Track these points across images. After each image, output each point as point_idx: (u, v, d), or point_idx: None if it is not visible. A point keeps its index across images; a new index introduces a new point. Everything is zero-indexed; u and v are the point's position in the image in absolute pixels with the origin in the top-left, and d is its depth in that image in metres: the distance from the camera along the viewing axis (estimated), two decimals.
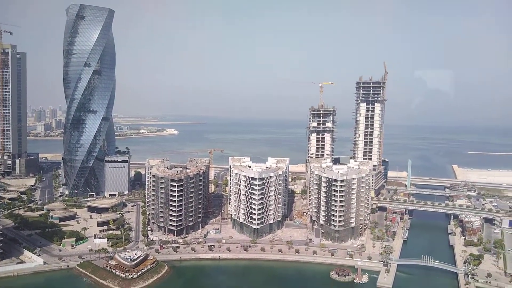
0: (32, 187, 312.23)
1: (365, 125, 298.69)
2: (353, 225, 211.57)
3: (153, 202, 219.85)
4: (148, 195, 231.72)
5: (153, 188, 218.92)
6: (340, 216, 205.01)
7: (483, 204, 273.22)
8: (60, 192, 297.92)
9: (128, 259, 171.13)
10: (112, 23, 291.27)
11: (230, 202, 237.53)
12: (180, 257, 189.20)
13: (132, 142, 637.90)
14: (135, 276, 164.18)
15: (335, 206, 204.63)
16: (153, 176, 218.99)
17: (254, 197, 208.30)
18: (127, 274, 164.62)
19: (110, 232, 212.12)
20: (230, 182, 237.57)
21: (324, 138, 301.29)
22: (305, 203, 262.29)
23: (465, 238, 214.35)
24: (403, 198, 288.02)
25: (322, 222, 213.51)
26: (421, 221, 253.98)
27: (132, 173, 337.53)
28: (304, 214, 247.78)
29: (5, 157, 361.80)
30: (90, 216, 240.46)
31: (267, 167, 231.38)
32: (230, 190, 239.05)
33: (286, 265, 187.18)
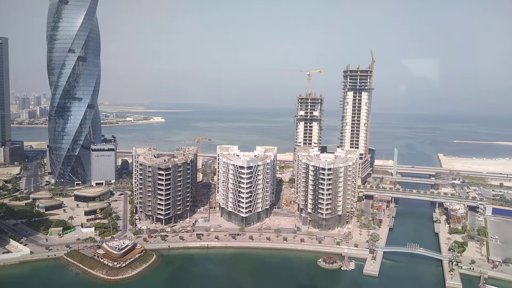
0: (17, 176, 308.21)
1: (352, 113, 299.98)
2: (340, 213, 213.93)
3: (141, 191, 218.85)
4: (135, 183, 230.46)
5: (141, 177, 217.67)
6: (327, 204, 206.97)
7: (467, 192, 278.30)
8: (46, 181, 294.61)
9: (116, 248, 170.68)
10: (96, 8, 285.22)
11: (218, 190, 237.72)
12: (169, 246, 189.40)
13: (118, 130, 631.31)
14: (123, 265, 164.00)
15: (322, 194, 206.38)
16: (141, 164, 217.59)
17: (242, 185, 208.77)
18: (115, 263, 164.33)
19: (97, 221, 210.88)
20: (218, 170, 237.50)
21: (311, 126, 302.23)
22: (292, 191, 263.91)
23: (449, 226, 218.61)
24: (389, 186, 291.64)
25: (309, 210, 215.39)
26: (407, 209, 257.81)
27: (119, 161, 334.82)
28: (292, 202, 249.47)
29: None
30: (77, 205, 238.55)
31: (255, 156, 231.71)
32: (218, 178, 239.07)
33: (274, 253, 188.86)
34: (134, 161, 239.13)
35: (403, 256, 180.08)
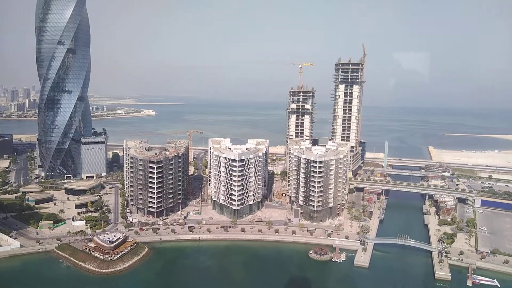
0: (6, 169, 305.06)
1: (344, 106, 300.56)
2: (331, 205, 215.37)
3: (132, 184, 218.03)
4: (126, 177, 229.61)
5: (132, 170, 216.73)
6: (318, 197, 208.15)
7: (457, 185, 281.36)
8: (36, 174, 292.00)
9: (107, 241, 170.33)
10: (86, 0, 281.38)
11: (210, 183, 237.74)
12: (160, 239, 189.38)
13: (109, 123, 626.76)
14: (115, 258, 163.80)
15: (314, 186, 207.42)
16: (132, 157, 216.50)
17: (234, 178, 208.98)
18: (107, 256, 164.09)
19: (88, 214, 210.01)
20: (210, 163, 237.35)
21: (303, 119, 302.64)
22: (284, 184, 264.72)
23: (439, 218, 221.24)
24: (379, 178, 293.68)
25: (301, 203, 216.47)
26: (397, 201, 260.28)
27: (110, 154, 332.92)
28: (284, 195, 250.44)
29: None
30: (68, 198, 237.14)
31: (246, 149, 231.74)
32: (210, 171, 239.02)
33: (266, 245, 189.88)
34: (125, 154, 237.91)
35: (393, 248, 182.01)
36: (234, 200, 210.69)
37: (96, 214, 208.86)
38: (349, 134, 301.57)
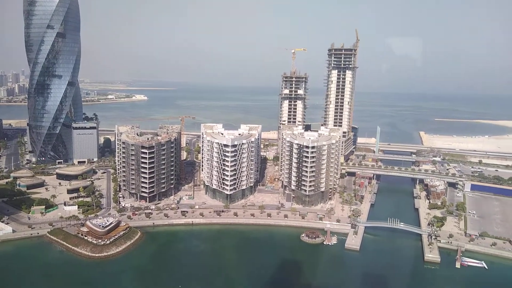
0: None
1: (336, 92, 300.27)
2: (323, 189, 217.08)
3: (124, 169, 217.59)
4: (118, 162, 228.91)
5: (124, 155, 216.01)
6: (310, 181, 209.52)
7: (447, 169, 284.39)
8: (27, 160, 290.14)
9: (100, 225, 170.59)
10: None
11: (202, 168, 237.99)
12: (153, 223, 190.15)
13: (100, 108, 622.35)
14: (108, 242, 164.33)
15: (306, 171, 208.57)
16: (123, 143, 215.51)
17: (226, 163, 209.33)
18: (100, 240, 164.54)
19: (80, 199, 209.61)
20: (203, 149, 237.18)
21: (296, 105, 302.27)
22: (277, 169, 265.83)
23: (429, 202, 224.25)
24: (371, 163, 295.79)
25: (293, 187, 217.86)
26: (388, 186, 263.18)
27: (101, 140, 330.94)
28: (276, 179, 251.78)
29: None
30: (59, 183, 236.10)
31: (239, 134, 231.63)
32: (202, 157, 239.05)
33: (258, 229, 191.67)
34: (116, 140, 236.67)
35: (384, 231, 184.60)
36: (227, 185, 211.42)
37: (89, 199, 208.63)
38: (341, 119, 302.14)
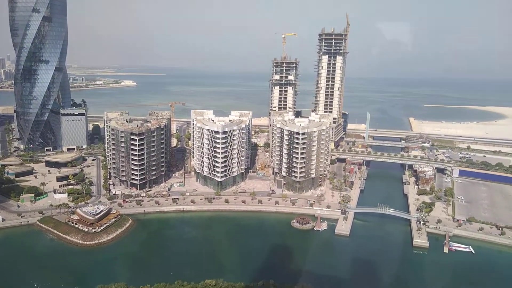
0: None
1: (327, 78, 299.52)
2: (313, 176, 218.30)
3: (114, 156, 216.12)
4: (108, 149, 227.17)
5: (113, 142, 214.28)
6: (301, 168, 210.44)
7: (436, 155, 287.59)
8: (15, 147, 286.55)
9: (90, 213, 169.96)
10: None
11: (193, 155, 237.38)
12: (144, 210, 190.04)
13: (88, 94, 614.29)
14: (99, 230, 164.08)
15: (297, 158, 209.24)
16: (113, 129, 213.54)
17: (217, 150, 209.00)
18: (90, 228, 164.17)
19: (70, 187, 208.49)
20: (193, 135, 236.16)
21: (286, 91, 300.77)
22: (267, 155, 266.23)
23: (418, 187, 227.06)
24: (361, 149, 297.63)
25: (284, 174, 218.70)
26: (378, 172, 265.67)
27: (90, 126, 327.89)
28: (267, 166, 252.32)
29: None
30: (49, 171, 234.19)
31: (230, 121, 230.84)
32: (193, 144, 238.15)
33: (250, 215, 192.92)
34: (106, 126, 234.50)
35: (373, 217, 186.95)
36: (218, 172, 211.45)
37: (78, 187, 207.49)
38: (331, 105, 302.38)
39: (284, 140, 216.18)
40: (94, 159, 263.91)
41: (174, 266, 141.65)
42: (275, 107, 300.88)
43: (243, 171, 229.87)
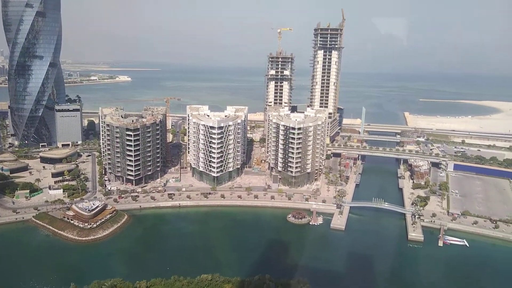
0: None
1: (322, 73, 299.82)
2: (309, 170, 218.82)
3: (109, 152, 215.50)
4: (103, 145, 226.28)
5: (108, 138, 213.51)
6: (297, 163, 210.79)
7: (431, 149, 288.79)
8: (9, 143, 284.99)
9: (86, 209, 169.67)
10: None
11: (189, 151, 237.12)
12: (140, 206, 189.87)
13: (83, 90, 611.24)
14: (95, 225, 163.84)
15: (292, 153, 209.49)
16: (108, 125, 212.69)
17: (213, 145, 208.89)
18: (86, 224, 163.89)
19: (65, 183, 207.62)
20: (189, 131, 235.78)
21: (282, 86, 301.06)
22: (263, 151, 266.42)
23: (413, 181, 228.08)
24: (356, 144, 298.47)
25: (279, 169, 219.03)
26: (373, 166, 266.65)
27: (85, 122, 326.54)
28: (263, 161, 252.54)
29: None
30: (43, 167, 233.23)
31: (225, 116, 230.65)
32: (188, 139, 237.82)
33: (245, 210, 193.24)
34: (101, 122, 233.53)
35: (369, 211, 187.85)
36: (214, 167, 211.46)
37: (74, 183, 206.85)
38: (327, 100, 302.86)
39: (280, 135, 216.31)
40: (89, 155, 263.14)
41: (170, 262, 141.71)
42: (270, 102, 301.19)
43: (239, 166, 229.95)
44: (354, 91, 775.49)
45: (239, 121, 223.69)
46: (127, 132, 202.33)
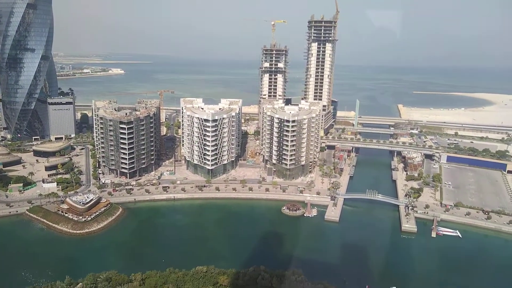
0: None
1: (316, 65, 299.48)
2: (303, 163, 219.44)
3: (103, 145, 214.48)
4: (96, 138, 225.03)
5: (102, 131, 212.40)
6: (291, 155, 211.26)
7: (424, 141, 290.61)
8: (2, 137, 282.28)
9: (80, 202, 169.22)
10: None
11: (183, 144, 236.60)
12: (134, 199, 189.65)
13: (75, 83, 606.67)
14: (89, 219, 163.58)
15: (287, 145, 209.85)
16: (101, 118, 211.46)
17: (207, 138, 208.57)
18: (80, 217, 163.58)
19: (59, 176, 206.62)
20: (183, 124, 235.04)
21: (276, 78, 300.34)
22: (258, 143, 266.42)
23: (407, 173, 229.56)
24: (350, 136, 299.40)
25: (274, 161, 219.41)
26: (367, 158, 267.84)
27: (78, 115, 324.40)
28: (257, 154, 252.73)
29: None
30: (37, 160, 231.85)
31: (220, 109, 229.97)
32: (183, 132, 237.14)
33: (240, 203, 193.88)
34: (94, 115, 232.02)
35: (363, 202, 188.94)
36: (208, 160, 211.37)
37: (67, 176, 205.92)
38: (321, 93, 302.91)
39: (274, 127, 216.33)
40: (82, 148, 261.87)
41: (165, 254, 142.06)
42: (265, 95, 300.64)
43: (233, 159, 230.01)
44: (348, 83, 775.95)
45: (233, 114, 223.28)
46: (121, 125, 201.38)
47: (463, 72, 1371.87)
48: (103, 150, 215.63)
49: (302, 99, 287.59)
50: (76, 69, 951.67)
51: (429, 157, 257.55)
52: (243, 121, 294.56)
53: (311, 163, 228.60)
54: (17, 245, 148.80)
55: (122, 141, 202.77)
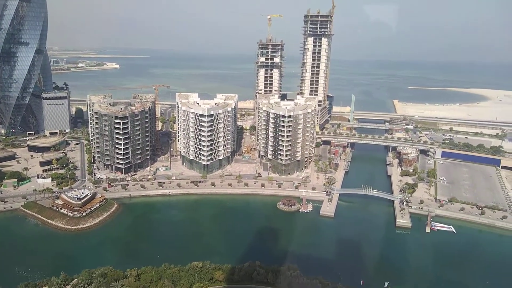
0: None
1: (312, 60, 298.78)
2: (299, 158, 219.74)
3: (98, 140, 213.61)
4: (91, 133, 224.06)
5: (97, 126, 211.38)
6: (287, 151, 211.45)
7: (419, 137, 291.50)
8: None
9: (75, 198, 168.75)
10: None
11: (178, 139, 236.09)
12: (130, 194, 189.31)
13: (70, 77, 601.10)
14: (84, 214, 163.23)
15: (282, 141, 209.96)
16: (96, 113, 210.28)
17: (203, 134, 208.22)
18: (75, 212, 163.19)
19: (54, 171, 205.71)
20: (178, 119, 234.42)
21: (272, 73, 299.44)
22: (253, 138, 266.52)
23: (401, 169, 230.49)
24: (346, 132, 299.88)
25: (270, 157, 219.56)
26: (362, 154, 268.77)
27: (73, 110, 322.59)
28: (253, 149, 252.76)
29: None
30: (31, 155, 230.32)
31: (215, 104, 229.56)
32: (178, 127, 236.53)
33: (236, 198, 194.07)
34: (89, 110, 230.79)
35: (358, 198, 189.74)
36: (204, 155, 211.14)
37: (62, 171, 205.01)
38: (317, 88, 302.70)
39: (270, 123, 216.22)
40: (77, 143, 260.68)
41: (160, 250, 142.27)
42: (260, 90, 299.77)
43: (229, 155, 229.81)
44: (344, 78, 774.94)
45: (229, 109, 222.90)
46: (116, 120, 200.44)
47: (461, 67, 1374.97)
48: (98, 145, 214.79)
49: (298, 94, 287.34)
50: (70, 64, 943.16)
51: (424, 152, 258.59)
52: (239, 116, 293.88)
53: (306, 159, 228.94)
54: (12, 241, 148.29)
55: (117, 136, 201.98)
